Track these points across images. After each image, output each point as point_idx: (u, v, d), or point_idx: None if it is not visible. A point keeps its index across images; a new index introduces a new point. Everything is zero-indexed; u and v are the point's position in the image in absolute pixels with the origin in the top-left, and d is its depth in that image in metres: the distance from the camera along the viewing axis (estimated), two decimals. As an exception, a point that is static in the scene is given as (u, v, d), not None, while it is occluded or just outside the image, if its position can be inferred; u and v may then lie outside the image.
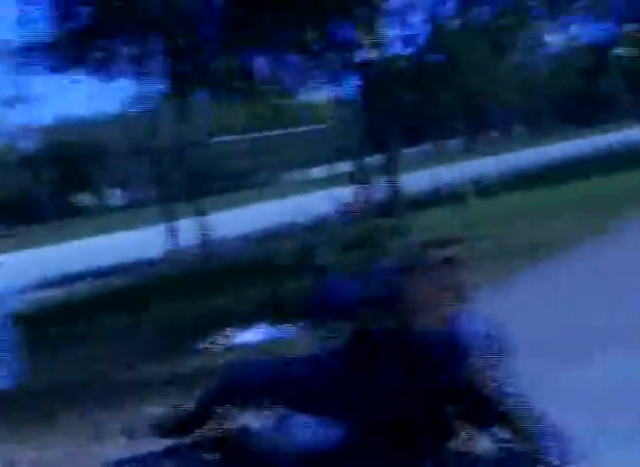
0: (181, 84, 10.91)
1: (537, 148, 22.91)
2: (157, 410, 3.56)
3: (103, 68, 11.26)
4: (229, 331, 4.72)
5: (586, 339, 3.87)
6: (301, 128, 24.03)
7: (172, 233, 11.51)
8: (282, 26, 9.31)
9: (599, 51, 22.30)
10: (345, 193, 11.88)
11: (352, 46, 8.95)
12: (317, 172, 31.80)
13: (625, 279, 5.14)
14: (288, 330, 4.44)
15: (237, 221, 14.02)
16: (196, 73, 11.24)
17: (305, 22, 9.52)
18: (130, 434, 3.38)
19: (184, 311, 6.26)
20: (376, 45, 8.67)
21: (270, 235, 11.69)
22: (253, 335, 4.60)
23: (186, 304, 6.54)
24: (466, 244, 7.37)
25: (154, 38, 11.42)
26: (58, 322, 6.85)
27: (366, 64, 8.55)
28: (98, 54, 11.12)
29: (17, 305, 8.65)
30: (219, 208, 14.45)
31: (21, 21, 10.65)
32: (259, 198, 22.00)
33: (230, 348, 4.51)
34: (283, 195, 20.94)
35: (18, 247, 19.47)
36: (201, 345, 4.65)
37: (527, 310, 4.71)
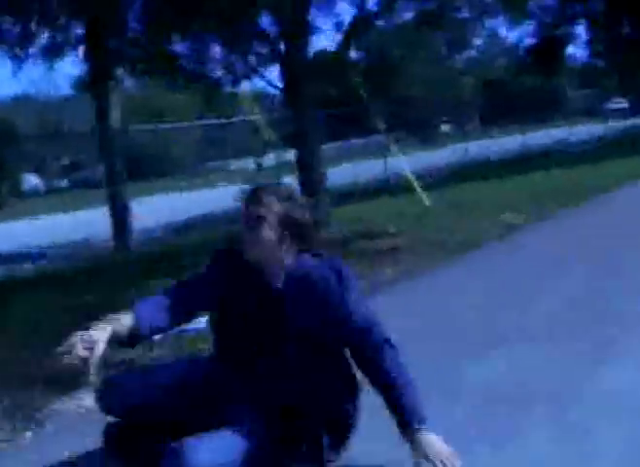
0: (100, 69, 10.66)
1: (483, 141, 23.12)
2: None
3: (19, 49, 10.92)
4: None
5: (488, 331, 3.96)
6: (229, 120, 23.84)
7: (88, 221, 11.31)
8: (206, 15, 9.21)
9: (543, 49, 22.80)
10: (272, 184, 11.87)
11: (277, 37, 8.91)
12: (244, 164, 31.67)
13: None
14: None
15: (155, 210, 13.81)
16: (115, 59, 11.01)
17: (231, 13, 9.43)
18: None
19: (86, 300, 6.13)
20: (301, 37, 8.64)
21: (191, 225, 11.59)
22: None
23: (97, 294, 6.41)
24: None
25: (73, 21, 11.14)
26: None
27: (290, 56, 8.51)
28: (13, 34, 10.78)
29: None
30: (135, 196, 14.26)
31: None
32: (184, 188, 21.75)
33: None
34: (212, 185, 20.78)
35: None
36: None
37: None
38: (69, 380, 3.85)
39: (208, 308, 2.74)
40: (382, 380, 2.55)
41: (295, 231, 2.58)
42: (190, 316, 2.69)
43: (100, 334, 2.28)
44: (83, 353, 2.22)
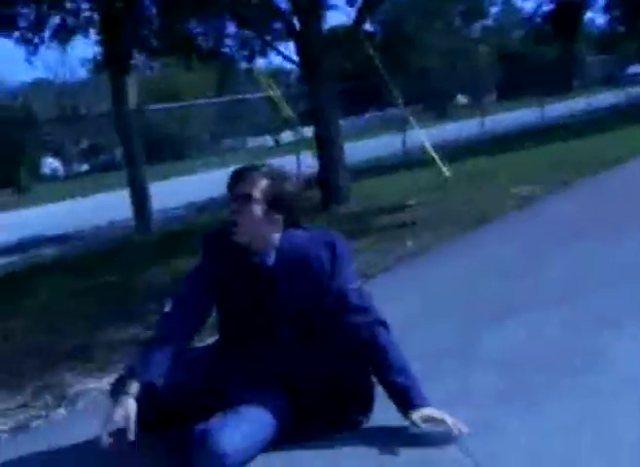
0: (116, 51, 10.66)
1: (506, 113, 22.82)
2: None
3: (34, 33, 10.95)
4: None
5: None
6: (245, 96, 23.83)
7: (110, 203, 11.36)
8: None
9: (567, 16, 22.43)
10: (290, 161, 11.91)
11: (292, 13, 8.86)
12: (262, 141, 31.63)
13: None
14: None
15: (173, 192, 13.87)
16: (131, 40, 11.00)
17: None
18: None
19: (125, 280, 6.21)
20: (316, 11, 8.58)
21: (207, 207, 11.62)
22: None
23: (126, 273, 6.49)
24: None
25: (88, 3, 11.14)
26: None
27: (305, 31, 8.46)
28: (29, 19, 10.80)
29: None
30: (156, 178, 14.32)
31: None
32: (201, 168, 21.78)
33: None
34: (228, 164, 20.76)
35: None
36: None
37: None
38: (98, 361, 3.92)
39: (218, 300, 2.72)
40: (378, 361, 2.53)
41: (282, 206, 2.57)
42: (206, 317, 2.70)
43: (127, 410, 2.36)
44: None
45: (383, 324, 2.58)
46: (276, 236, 2.59)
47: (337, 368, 2.58)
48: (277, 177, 2.59)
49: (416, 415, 2.46)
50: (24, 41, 11.07)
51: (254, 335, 2.62)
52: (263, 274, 2.58)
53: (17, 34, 10.95)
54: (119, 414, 2.36)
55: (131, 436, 2.34)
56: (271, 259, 2.58)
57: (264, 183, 2.55)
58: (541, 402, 2.68)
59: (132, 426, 2.35)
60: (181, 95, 28.52)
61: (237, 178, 2.58)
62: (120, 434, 2.35)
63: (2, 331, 4.89)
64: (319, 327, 2.58)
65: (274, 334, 2.58)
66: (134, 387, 2.41)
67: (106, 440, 2.34)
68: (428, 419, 2.45)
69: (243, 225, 2.54)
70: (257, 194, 2.53)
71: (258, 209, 2.53)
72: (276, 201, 2.56)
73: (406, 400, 2.49)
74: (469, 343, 3.39)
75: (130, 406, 2.37)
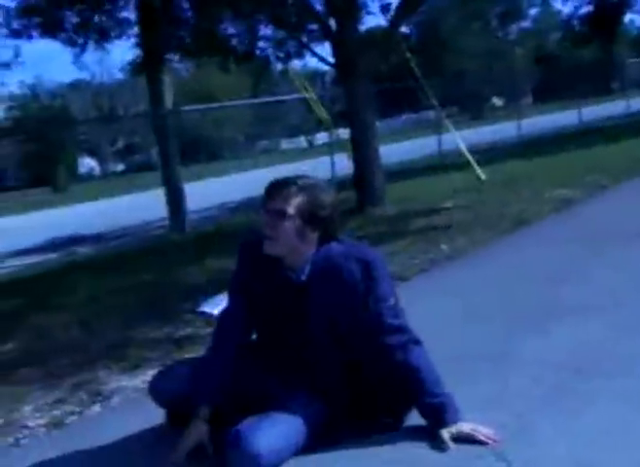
0: (152, 53, 10.75)
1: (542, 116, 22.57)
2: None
3: (78, 35, 11.09)
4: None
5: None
6: (280, 98, 23.93)
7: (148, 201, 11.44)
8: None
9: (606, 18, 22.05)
10: (324, 163, 11.91)
11: (327, 14, 8.84)
12: (296, 143, 31.73)
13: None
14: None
15: (208, 193, 13.96)
16: (168, 42, 11.09)
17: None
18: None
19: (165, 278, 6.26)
20: (352, 13, 8.57)
21: (240, 208, 11.66)
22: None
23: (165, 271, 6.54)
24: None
25: (127, 6, 11.25)
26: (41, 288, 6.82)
27: (340, 33, 8.44)
28: (72, 22, 10.94)
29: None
30: (196, 178, 14.43)
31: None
32: (234, 169, 21.89)
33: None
34: (262, 165, 20.81)
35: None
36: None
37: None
38: (133, 359, 3.94)
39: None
40: (411, 382, 2.49)
41: (318, 223, 2.51)
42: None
43: (201, 434, 2.50)
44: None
45: (417, 342, 2.54)
46: (311, 252, 2.55)
47: (370, 375, 2.56)
48: (314, 193, 2.51)
49: (446, 433, 2.43)
50: (70, 43, 11.23)
51: (288, 340, 2.61)
52: (296, 287, 2.55)
53: (63, 36, 11.10)
54: (193, 439, 2.49)
55: (208, 453, 2.49)
56: (305, 273, 2.54)
57: (299, 200, 2.48)
58: (580, 408, 2.63)
59: (209, 448, 2.50)
60: (216, 96, 28.70)
61: (273, 192, 2.51)
62: (193, 453, 2.49)
63: (39, 328, 4.94)
64: (353, 339, 2.56)
65: (308, 340, 2.57)
66: (206, 412, 2.52)
67: (182, 460, 2.48)
68: (458, 436, 2.42)
69: (276, 239, 2.50)
70: (291, 210, 2.47)
71: (292, 226, 2.48)
72: (312, 219, 2.50)
73: (436, 419, 2.47)
74: (505, 347, 3.35)
75: (204, 430, 2.50)
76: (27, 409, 3.40)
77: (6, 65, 17.94)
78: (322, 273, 2.53)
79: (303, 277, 2.54)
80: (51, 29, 10.98)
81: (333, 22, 8.57)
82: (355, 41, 8.47)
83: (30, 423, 3.22)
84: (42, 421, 3.23)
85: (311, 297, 2.53)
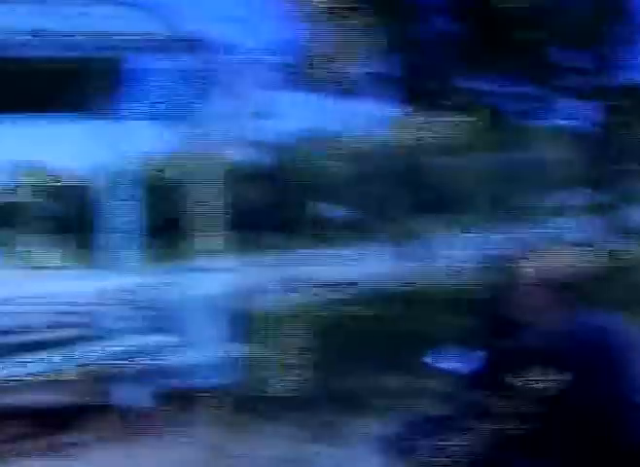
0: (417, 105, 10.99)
1: None
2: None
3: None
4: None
5: None
6: (531, 154, 23.45)
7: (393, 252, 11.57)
8: (516, 51, 9.12)
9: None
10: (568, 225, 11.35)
11: (591, 70, 8.56)
12: (544, 202, 30.73)
13: None
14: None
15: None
16: (430, 95, 11.27)
17: (546, 46, 9.21)
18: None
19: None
20: (622, 69, 8.22)
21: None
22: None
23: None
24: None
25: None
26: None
27: (608, 91, 8.14)
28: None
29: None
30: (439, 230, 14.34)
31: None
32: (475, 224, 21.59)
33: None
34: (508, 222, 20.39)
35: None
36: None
37: None
38: (376, 407, 3.99)
39: None
40: None
41: (565, 293, 2.42)
42: None
43: None
44: None
45: None
46: (555, 322, 2.48)
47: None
48: (557, 260, 2.45)
49: None
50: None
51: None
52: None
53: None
54: None
55: None
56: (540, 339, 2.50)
57: (549, 271, 2.41)
58: None
59: None
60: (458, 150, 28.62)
61: (516, 255, 2.55)
62: None
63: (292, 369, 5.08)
64: (592, 424, 2.43)
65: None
66: None
67: None
68: None
69: (522, 308, 2.50)
70: (540, 281, 2.39)
71: (540, 297, 2.47)
72: (559, 290, 2.47)
73: None
74: None
75: None
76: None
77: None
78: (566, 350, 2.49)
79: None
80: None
81: (591, 78, 8.27)
82: (618, 99, 8.12)
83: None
84: (277, 453, 3.31)
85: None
